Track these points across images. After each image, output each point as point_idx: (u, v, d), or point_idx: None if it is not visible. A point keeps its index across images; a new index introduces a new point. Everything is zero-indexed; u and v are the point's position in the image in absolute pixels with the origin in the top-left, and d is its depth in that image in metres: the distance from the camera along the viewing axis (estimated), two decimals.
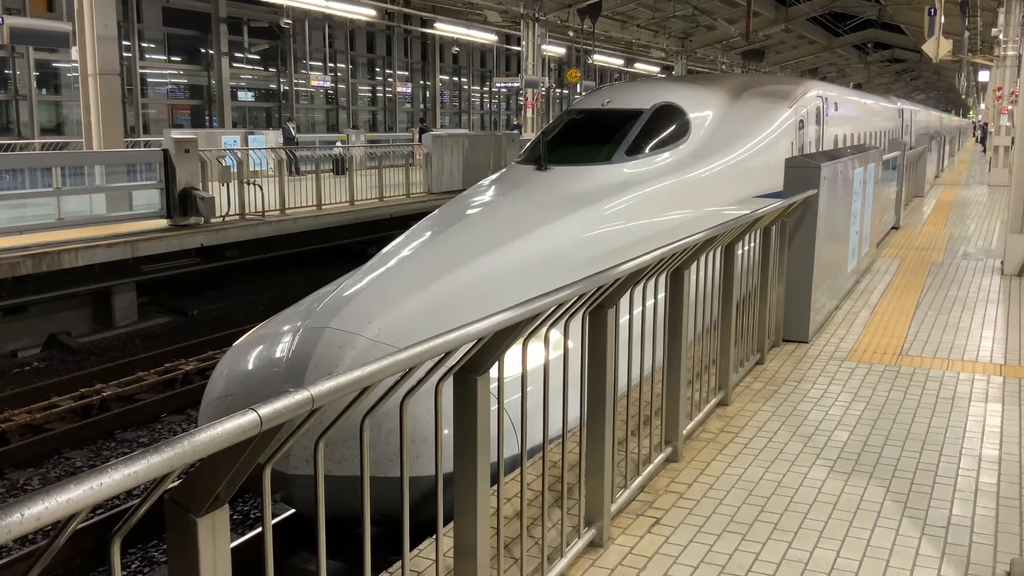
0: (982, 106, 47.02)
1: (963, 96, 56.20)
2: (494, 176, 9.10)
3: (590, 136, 9.03)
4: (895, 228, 13.65)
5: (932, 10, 18.43)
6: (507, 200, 7.99)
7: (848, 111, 15.37)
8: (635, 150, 8.55)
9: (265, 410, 1.73)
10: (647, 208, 7.91)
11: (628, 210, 7.80)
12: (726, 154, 9.10)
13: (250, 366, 5.54)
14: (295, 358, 5.24)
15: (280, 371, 5.24)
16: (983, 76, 36.02)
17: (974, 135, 53.98)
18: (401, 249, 6.79)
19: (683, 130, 9.00)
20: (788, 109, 10.63)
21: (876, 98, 21.87)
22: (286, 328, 5.68)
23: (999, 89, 24.03)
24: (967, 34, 25.93)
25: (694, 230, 4.35)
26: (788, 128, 10.46)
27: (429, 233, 7.09)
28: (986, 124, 37.37)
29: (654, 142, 8.72)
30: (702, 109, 9.51)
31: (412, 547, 3.46)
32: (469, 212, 7.68)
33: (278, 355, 5.39)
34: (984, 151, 35.58)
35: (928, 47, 18.90)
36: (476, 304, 4.56)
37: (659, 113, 9.01)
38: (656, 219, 7.76)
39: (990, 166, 23.74)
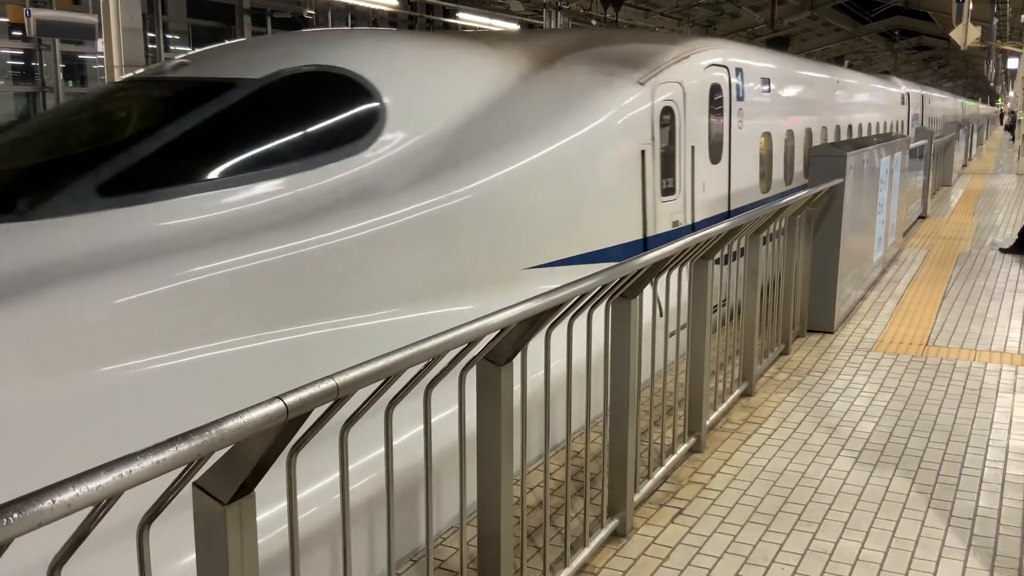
0: (1011, 94, 46.39)
1: (991, 84, 55.45)
2: None
3: (98, 142, 4.60)
4: (922, 217, 13.51)
5: None
6: None
7: (794, 92, 9.95)
8: (142, 179, 3.91)
9: (291, 399, 1.75)
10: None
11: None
12: (451, 179, 4.54)
13: None
14: None
15: None
16: (1012, 63, 35.51)
17: (1001, 123, 53.26)
18: None
19: (343, 132, 4.54)
20: (638, 88, 5.98)
21: (859, 76, 15.30)
22: None
23: None
24: (996, 20, 25.56)
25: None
26: (633, 122, 5.86)
27: None
28: (1015, 112, 36.86)
29: (238, 160, 4.16)
30: (419, 85, 5.04)
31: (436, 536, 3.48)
32: None
33: None
34: (1013, 139, 35.12)
35: (956, 34, 18.67)
36: None
37: (284, 91, 4.61)
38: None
39: (1019, 155, 23.43)
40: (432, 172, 4.53)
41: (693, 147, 6.65)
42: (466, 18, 30.40)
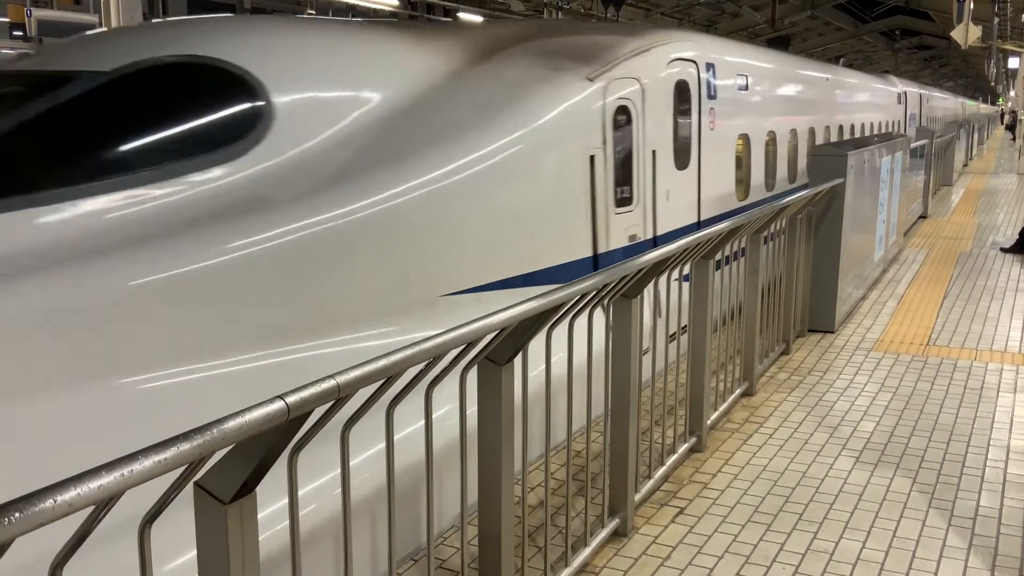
0: (1012, 93, 46.39)
1: (992, 83, 55.45)
2: None
3: None
4: (923, 217, 13.52)
5: None
6: None
7: (775, 90, 9.10)
8: None
9: (292, 398, 1.75)
10: None
11: None
12: (351, 190, 3.86)
13: None
14: None
15: None
16: (1013, 62, 35.53)
17: (1001, 122, 53.29)
18: None
19: (214, 135, 3.82)
20: (586, 85, 5.24)
21: (851, 74, 14.24)
22: None
23: None
24: (997, 20, 25.57)
25: None
26: (579, 123, 5.15)
27: None
28: (1015, 111, 36.85)
29: (62, 171, 3.48)
30: (317, 80, 4.35)
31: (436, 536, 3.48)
32: None
33: None
34: (1013, 139, 35.09)
35: (956, 33, 18.67)
36: None
37: (138, 85, 3.91)
38: None
39: (1020, 154, 23.43)
40: (328, 182, 3.82)
41: (654, 151, 5.93)
42: (467, 18, 30.41)
